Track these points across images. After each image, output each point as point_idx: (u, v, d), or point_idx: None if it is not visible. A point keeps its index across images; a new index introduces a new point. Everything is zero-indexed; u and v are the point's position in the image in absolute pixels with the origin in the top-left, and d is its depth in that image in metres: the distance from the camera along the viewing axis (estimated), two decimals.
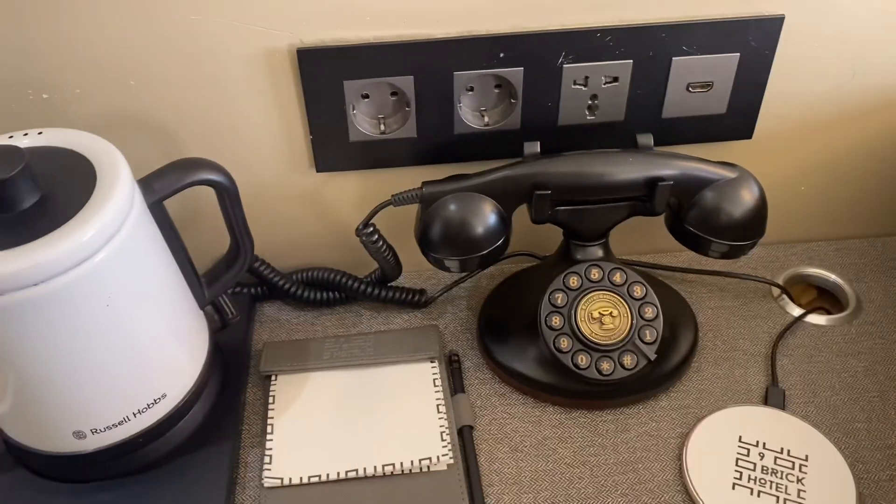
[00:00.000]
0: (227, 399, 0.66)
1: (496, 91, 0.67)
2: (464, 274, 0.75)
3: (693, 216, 0.65)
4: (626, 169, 0.63)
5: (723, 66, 0.66)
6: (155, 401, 0.58)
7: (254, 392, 0.69)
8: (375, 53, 0.63)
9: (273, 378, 0.68)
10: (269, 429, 0.64)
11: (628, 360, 0.64)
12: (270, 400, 0.67)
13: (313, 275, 0.75)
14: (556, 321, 0.65)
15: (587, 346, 0.64)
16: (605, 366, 0.64)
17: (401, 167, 0.71)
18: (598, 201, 0.65)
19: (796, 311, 0.74)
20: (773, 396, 0.66)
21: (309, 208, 0.73)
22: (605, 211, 0.66)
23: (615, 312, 0.65)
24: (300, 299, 0.74)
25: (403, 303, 0.74)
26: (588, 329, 0.64)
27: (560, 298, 0.66)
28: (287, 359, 0.69)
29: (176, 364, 0.60)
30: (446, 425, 0.64)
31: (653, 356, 0.64)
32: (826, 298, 0.79)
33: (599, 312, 0.65)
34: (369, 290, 0.74)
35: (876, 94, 0.71)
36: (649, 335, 0.65)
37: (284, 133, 0.68)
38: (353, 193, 0.73)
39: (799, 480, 0.60)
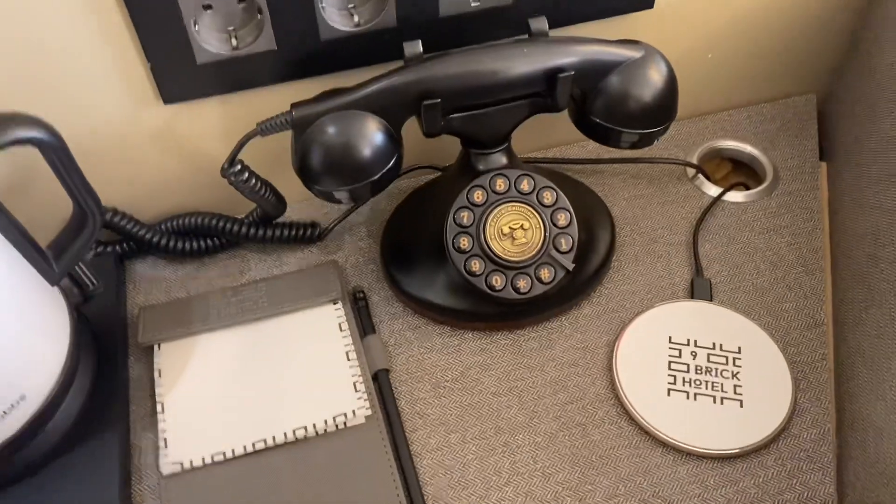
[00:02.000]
0: (106, 381, 0.57)
1: None
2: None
3: (599, 107, 0.59)
4: (522, 63, 0.55)
5: None
6: (12, 405, 0.49)
7: (138, 367, 0.61)
8: None
9: (156, 348, 0.60)
10: (159, 407, 0.57)
11: (545, 273, 0.59)
12: (156, 374, 0.59)
13: (184, 222, 0.66)
14: (465, 243, 0.58)
15: (500, 265, 0.58)
16: (522, 283, 0.58)
17: (264, 87, 0.61)
18: (495, 103, 0.57)
19: (713, 191, 0.70)
20: (698, 288, 0.63)
21: (165, 147, 0.63)
22: (504, 113, 0.58)
23: (526, 225, 0.59)
24: (174, 251, 0.65)
25: (294, 240, 0.66)
26: (499, 247, 0.58)
27: (466, 217, 0.59)
28: (169, 323, 0.61)
29: (31, 357, 0.51)
30: (359, 373, 0.58)
31: (571, 266, 0.59)
32: (742, 171, 0.75)
33: (510, 227, 0.59)
34: (252, 231, 0.65)
35: None
36: (565, 244, 0.59)
37: (117, 65, 0.56)
38: (212, 123, 0.62)
39: (734, 375, 0.57)
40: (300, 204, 0.70)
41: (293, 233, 0.66)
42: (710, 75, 0.74)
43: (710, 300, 0.62)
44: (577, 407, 0.57)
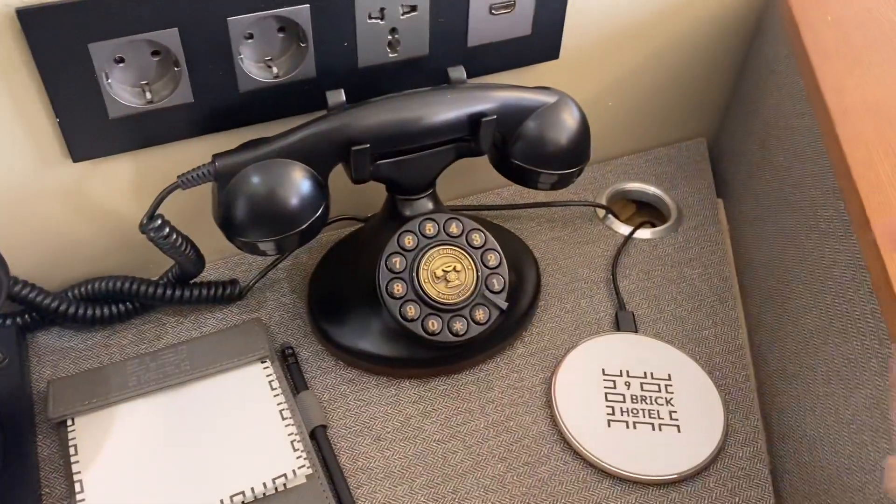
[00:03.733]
0: (13, 465, 0.52)
1: (280, 36, 0.57)
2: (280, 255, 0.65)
3: (518, 150, 0.61)
4: (447, 108, 0.57)
5: None
6: None
7: (47, 445, 0.56)
8: (125, 5, 0.50)
9: (69, 423, 0.55)
10: (77, 487, 0.52)
11: (480, 314, 0.59)
12: (72, 451, 0.54)
13: (94, 287, 0.62)
14: (399, 288, 0.58)
15: (436, 308, 0.58)
16: (458, 325, 0.58)
17: (180, 140, 0.59)
18: (421, 148, 0.58)
19: (623, 230, 0.73)
20: (623, 321, 0.65)
21: (72, 208, 0.59)
22: (430, 158, 0.59)
23: (458, 266, 0.59)
24: (83, 320, 0.61)
25: (214, 300, 0.64)
26: (434, 290, 0.58)
27: (398, 262, 0.58)
28: (82, 395, 0.56)
29: None
30: (295, 432, 0.55)
31: (504, 305, 0.59)
32: (646, 211, 0.79)
33: (443, 270, 0.59)
34: (168, 292, 0.62)
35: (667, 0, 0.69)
36: (497, 283, 0.60)
37: (20, 121, 0.53)
38: (125, 181, 0.60)
39: (668, 401, 0.59)
40: (214, 262, 0.67)
41: (213, 292, 0.63)
42: (611, 122, 0.78)
43: (636, 331, 0.64)
44: (521, 446, 0.57)
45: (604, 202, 0.76)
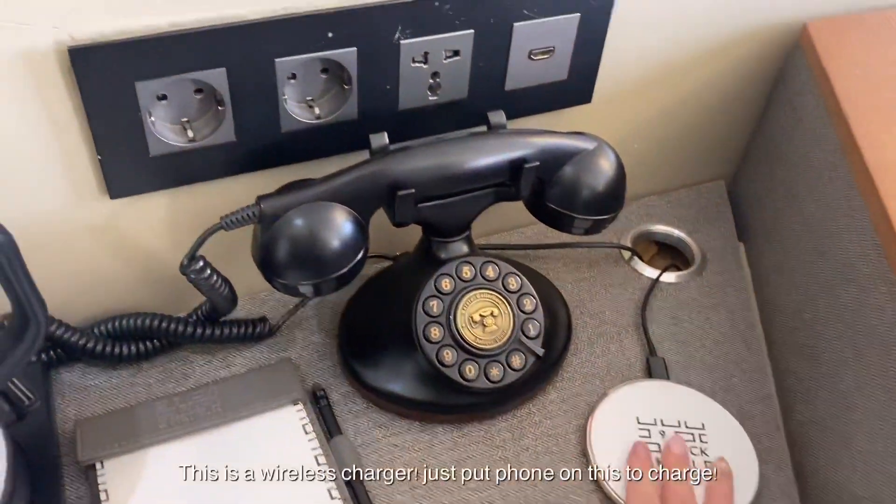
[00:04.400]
0: None
1: (323, 77, 0.57)
2: None
3: (555, 194, 0.60)
4: (490, 154, 0.57)
5: (564, 29, 0.62)
6: None
7: (75, 489, 0.54)
8: (174, 45, 0.50)
9: (99, 466, 0.54)
10: None
11: (517, 360, 0.59)
12: (102, 496, 0.52)
13: (121, 324, 0.60)
14: (436, 333, 0.57)
15: (473, 353, 0.58)
16: (495, 372, 0.58)
17: (220, 178, 0.58)
18: (461, 192, 0.58)
19: (648, 271, 0.74)
20: (655, 368, 0.65)
21: (104, 244, 0.58)
22: (470, 202, 0.59)
23: (496, 311, 0.59)
24: (109, 357, 0.60)
25: (243, 338, 0.63)
26: (471, 335, 0.58)
27: (435, 306, 0.58)
28: (112, 438, 0.55)
29: None
30: (332, 478, 0.54)
31: (541, 351, 0.59)
32: (667, 252, 0.79)
33: (480, 314, 0.58)
34: (198, 330, 0.61)
35: (699, 45, 0.70)
36: (533, 329, 0.60)
37: (62, 157, 0.52)
38: (161, 218, 0.59)
39: (702, 451, 0.59)
40: (244, 299, 0.66)
41: (243, 330, 0.62)
42: (636, 164, 0.78)
43: (668, 378, 0.64)
44: (558, 496, 0.56)
45: (629, 244, 0.76)
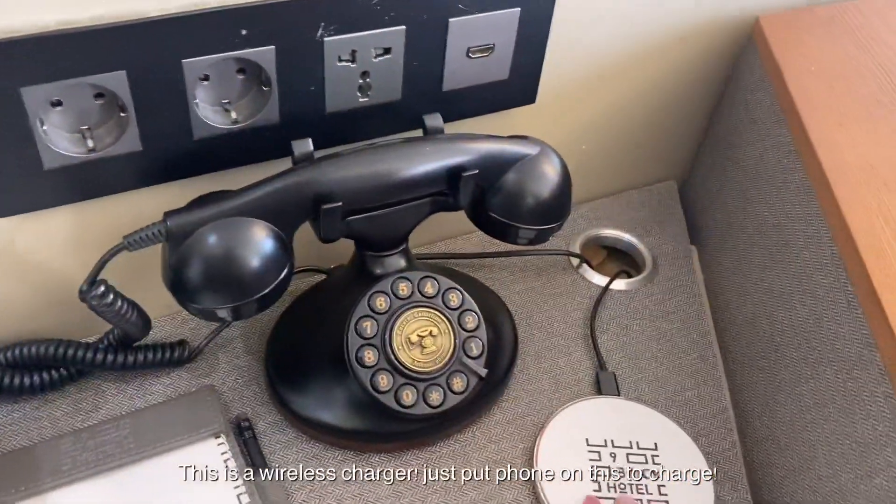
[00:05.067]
0: None
1: (240, 78, 0.52)
2: None
3: (497, 203, 0.56)
4: (425, 161, 0.52)
5: (503, 25, 0.57)
6: None
7: None
8: (65, 45, 0.44)
9: None
10: None
11: (458, 382, 0.54)
12: None
13: (23, 352, 0.55)
14: (370, 356, 0.53)
15: (410, 378, 0.53)
16: (435, 396, 0.54)
17: (128, 191, 0.53)
18: (395, 203, 0.53)
19: (597, 279, 0.70)
20: (605, 383, 0.61)
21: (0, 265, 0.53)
22: (404, 213, 0.54)
23: (435, 331, 0.54)
24: (9, 390, 0.54)
25: (160, 364, 0.57)
26: (408, 357, 0.53)
27: (369, 327, 0.53)
28: (8, 482, 0.49)
29: None
30: None
31: (484, 372, 0.55)
32: (617, 256, 0.76)
33: (418, 335, 0.54)
34: (109, 357, 0.55)
35: (647, 40, 0.66)
36: (475, 348, 0.55)
37: None
38: (62, 236, 0.53)
39: (655, 474, 0.55)
40: (161, 319, 0.61)
41: (159, 356, 0.57)
42: (584, 165, 0.74)
43: (619, 394, 0.61)
44: None
45: (577, 250, 0.72)
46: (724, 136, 0.72)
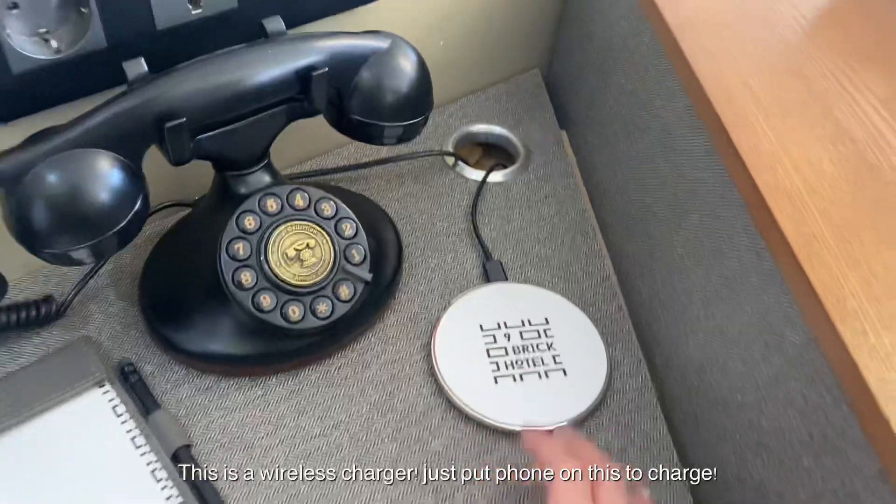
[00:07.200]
0: None
1: (54, 2, 0.48)
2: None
3: (356, 104, 0.55)
4: (270, 65, 0.50)
5: None
6: None
7: None
8: None
9: None
10: None
11: (344, 291, 0.54)
12: None
13: None
14: (247, 277, 0.51)
15: (294, 293, 0.52)
16: (322, 308, 0.53)
17: None
18: (247, 115, 0.51)
19: (475, 175, 0.70)
20: (492, 271, 0.62)
21: None
22: (258, 125, 0.52)
23: (312, 243, 0.53)
24: None
25: (27, 324, 0.54)
26: (288, 273, 0.52)
27: (241, 248, 0.52)
28: None
29: None
30: (154, 459, 0.48)
31: (368, 276, 0.54)
32: (494, 152, 0.76)
33: (295, 249, 0.52)
34: None
35: None
36: (357, 254, 0.55)
37: None
38: None
39: (549, 346, 0.57)
40: (20, 279, 0.57)
41: (24, 315, 0.53)
42: (445, 63, 0.73)
43: (506, 279, 0.61)
44: (410, 422, 0.53)
45: (451, 149, 0.72)
46: (578, 14, 0.72)
